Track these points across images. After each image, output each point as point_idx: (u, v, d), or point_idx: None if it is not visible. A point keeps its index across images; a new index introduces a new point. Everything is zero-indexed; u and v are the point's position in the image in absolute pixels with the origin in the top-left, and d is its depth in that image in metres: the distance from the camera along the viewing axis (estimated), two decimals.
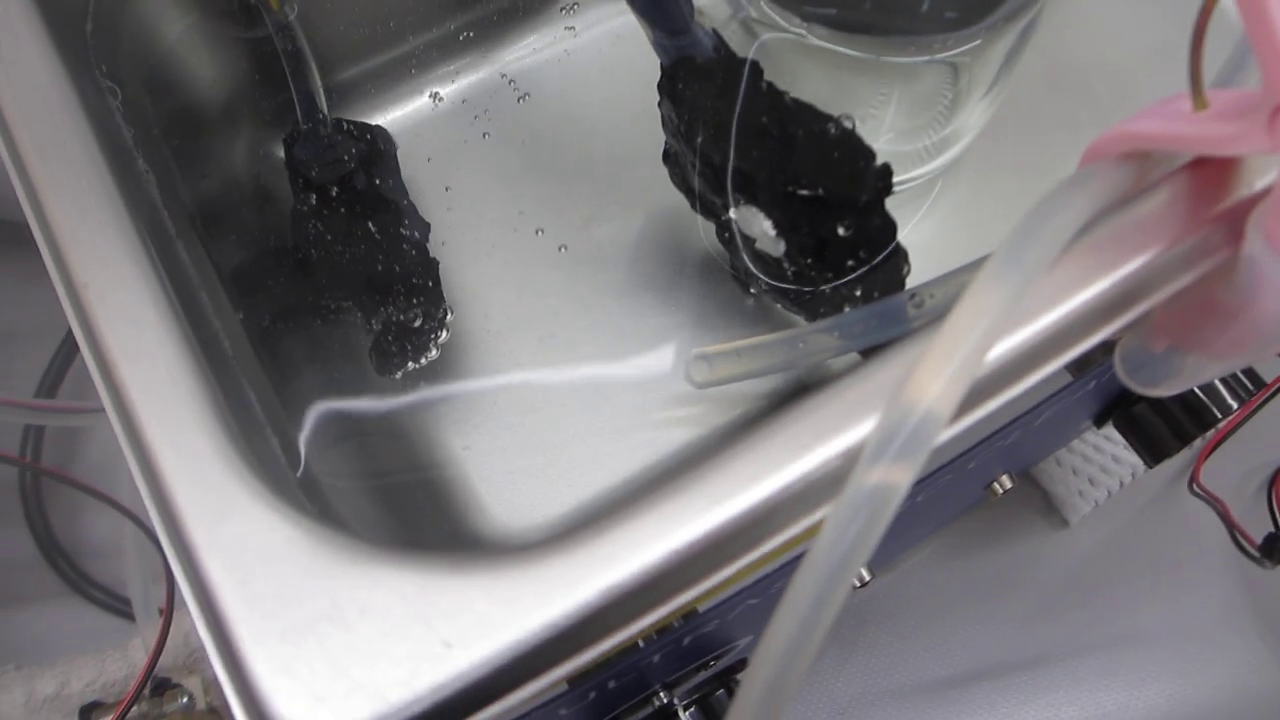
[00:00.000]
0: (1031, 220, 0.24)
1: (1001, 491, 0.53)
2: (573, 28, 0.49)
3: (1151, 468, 0.55)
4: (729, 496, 0.23)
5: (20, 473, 0.59)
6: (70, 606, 0.59)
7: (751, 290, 0.42)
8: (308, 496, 0.28)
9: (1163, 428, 0.52)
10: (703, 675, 0.42)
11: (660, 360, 0.41)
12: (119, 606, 0.58)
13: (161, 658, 0.48)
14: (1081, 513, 0.63)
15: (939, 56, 0.36)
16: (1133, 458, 0.61)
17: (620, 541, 0.23)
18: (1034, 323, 0.24)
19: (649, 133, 0.40)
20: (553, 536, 0.23)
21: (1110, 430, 0.55)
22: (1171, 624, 0.62)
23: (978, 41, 0.36)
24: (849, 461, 0.24)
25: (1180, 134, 0.25)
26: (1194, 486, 0.61)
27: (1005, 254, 0.24)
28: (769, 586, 0.35)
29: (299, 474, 0.29)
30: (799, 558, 0.26)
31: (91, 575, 0.59)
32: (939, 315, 0.31)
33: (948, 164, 0.43)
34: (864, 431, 0.24)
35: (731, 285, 0.42)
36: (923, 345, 0.25)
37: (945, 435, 0.23)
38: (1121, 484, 0.61)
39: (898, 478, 0.23)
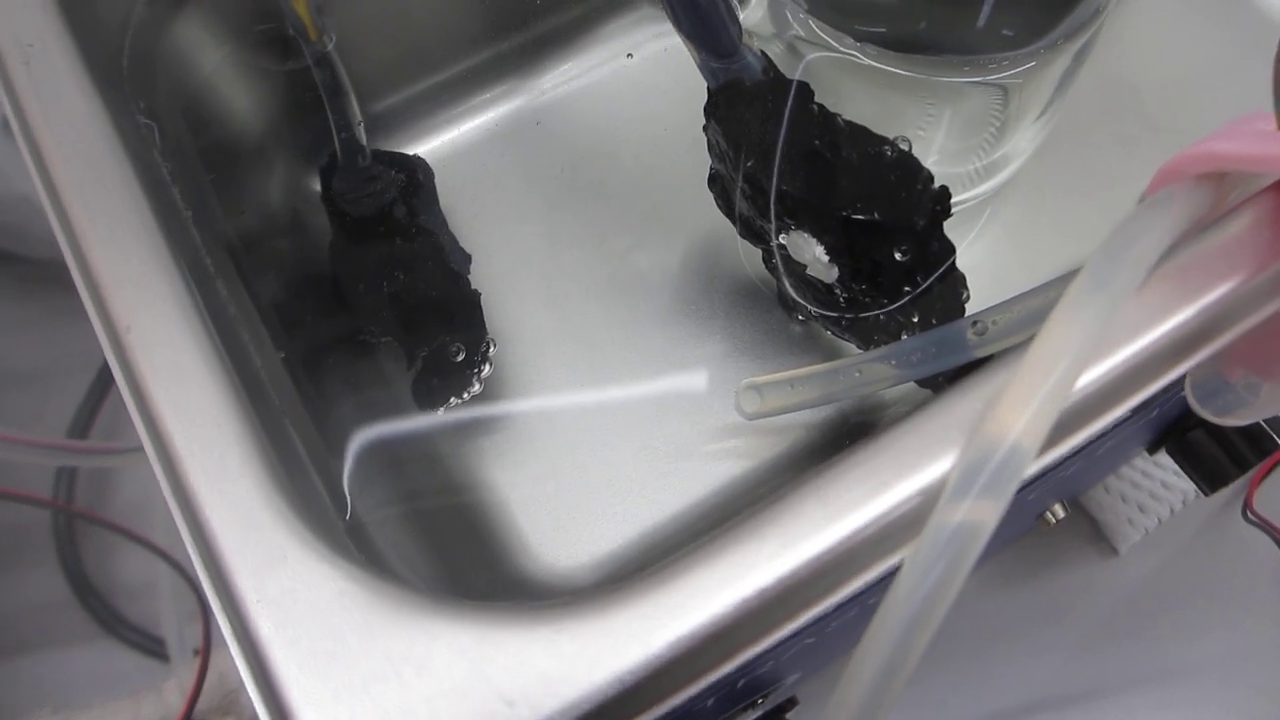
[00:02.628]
0: (1114, 244, 0.23)
1: (1054, 521, 0.51)
2: (614, 53, 0.48)
3: (1208, 495, 0.54)
4: (802, 539, 0.22)
5: (54, 512, 0.58)
6: (104, 648, 0.57)
7: (799, 317, 0.41)
8: (353, 539, 0.27)
9: (1220, 454, 0.50)
10: (751, 715, 0.40)
11: (706, 390, 0.40)
12: (152, 647, 0.56)
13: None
14: (1131, 541, 0.61)
15: (993, 77, 0.35)
16: (1183, 483, 0.60)
17: (688, 589, 0.21)
18: (1119, 352, 0.23)
19: (691, 158, 0.39)
20: (616, 583, 0.22)
21: (1160, 455, 0.53)
22: (1227, 656, 0.60)
23: (1032, 64, 0.35)
24: (927, 501, 0.22)
25: (1264, 154, 0.23)
26: (1248, 513, 0.59)
27: (1089, 279, 0.23)
28: (825, 626, 0.33)
29: (346, 517, 0.28)
30: (861, 595, 0.25)
31: (125, 616, 0.58)
32: (1002, 342, 0.30)
33: (997, 187, 0.42)
34: (944, 468, 0.22)
35: (778, 312, 0.41)
36: (1001, 375, 0.24)
37: (1032, 470, 0.22)
38: (1172, 511, 0.60)
39: (983, 516, 0.22)
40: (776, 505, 0.22)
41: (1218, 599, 0.62)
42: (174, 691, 0.52)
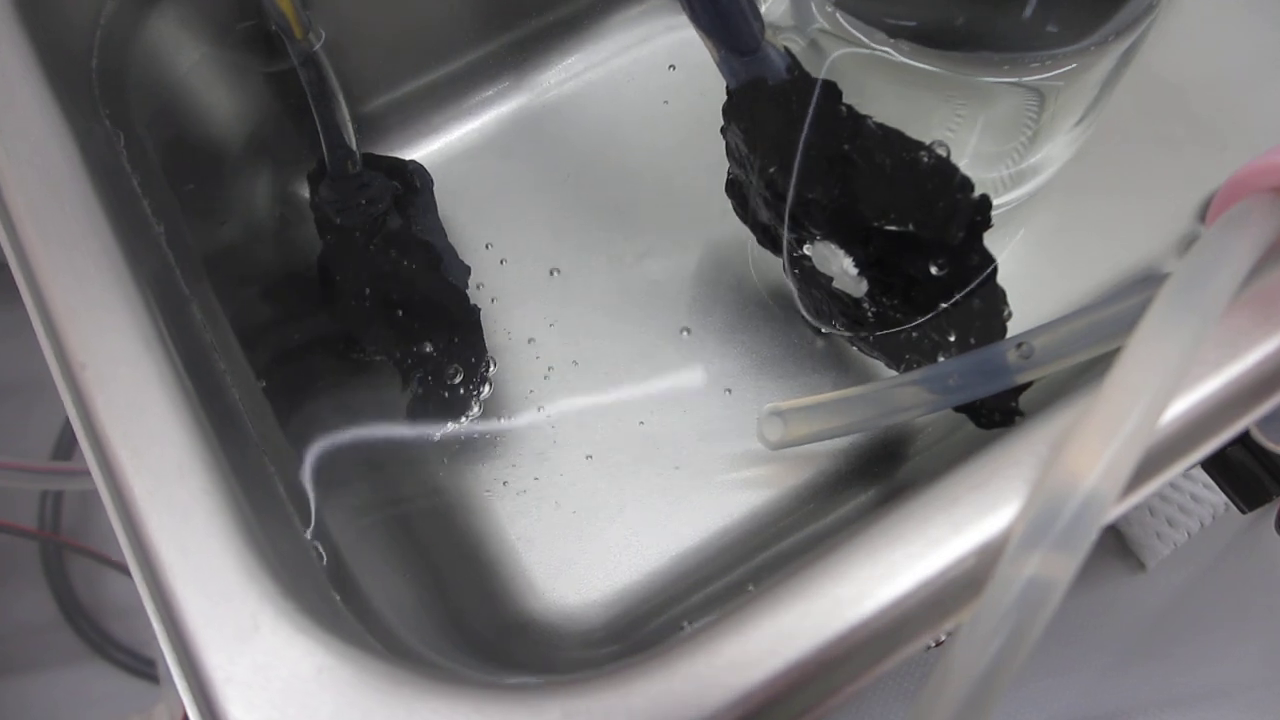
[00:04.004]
0: (1193, 266, 0.21)
1: None
2: (622, 47, 0.46)
3: (1244, 513, 0.52)
4: (849, 605, 0.19)
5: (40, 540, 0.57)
6: (91, 669, 0.57)
7: (823, 332, 0.38)
8: (337, 584, 0.24)
9: (1260, 471, 0.48)
10: None
11: (725, 412, 0.38)
12: (141, 669, 0.56)
13: None
14: (1159, 555, 0.60)
15: (1035, 78, 0.33)
16: (1213, 496, 0.58)
17: (716, 665, 0.19)
18: (1200, 387, 0.21)
19: (707, 161, 0.37)
20: (635, 657, 0.19)
21: (1193, 469, 0.51)
22: (1261, 676, 0.59)
23: (1075, 65, 0.32)
24: (986, 559, 0.20)
25: None
26: None
27: (1169, 305, 0.20)
28: None
29: (324, 563, 0.25)
30: None
31: (113, 636, 0.57)
32: (1047, 366, 0.28)
33: (1029, 195, 0.39)
34: (1006, 521, 0.20)
35: (800, 327, 0.39)
36: (1065, 414, 0.22)
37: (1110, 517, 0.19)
38: (1202, 524, 0.58)
39: (1056, 572, 0.19)
40: (816, 565, 0.20)
41: (1250, 617, 0.60)
42: (163, 715, 0.51)
